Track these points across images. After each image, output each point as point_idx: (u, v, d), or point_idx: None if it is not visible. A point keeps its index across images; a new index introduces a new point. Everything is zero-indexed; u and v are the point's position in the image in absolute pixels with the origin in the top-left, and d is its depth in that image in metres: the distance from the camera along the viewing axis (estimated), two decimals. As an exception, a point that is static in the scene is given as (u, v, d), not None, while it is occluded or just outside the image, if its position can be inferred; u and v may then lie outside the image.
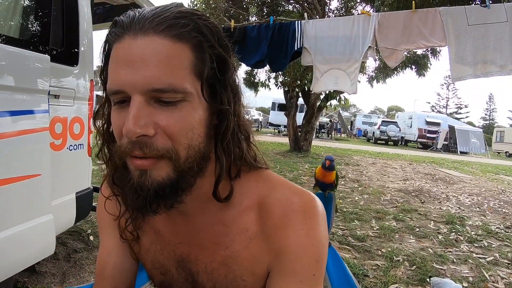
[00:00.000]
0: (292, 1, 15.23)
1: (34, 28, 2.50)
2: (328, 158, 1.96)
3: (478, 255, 4.85)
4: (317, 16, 13.64)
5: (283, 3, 15.22)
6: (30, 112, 2.36)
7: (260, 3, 14.87)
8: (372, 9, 11.90)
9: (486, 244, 5.34)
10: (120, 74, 0.73)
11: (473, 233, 5.82)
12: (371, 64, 15.78)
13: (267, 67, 5.93)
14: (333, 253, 1.94)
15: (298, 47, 4.76)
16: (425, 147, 34.55)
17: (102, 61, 0.79)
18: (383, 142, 34.62)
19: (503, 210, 8.02)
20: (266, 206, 0.90)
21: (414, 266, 4.18)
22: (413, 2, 4.40)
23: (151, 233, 1.00)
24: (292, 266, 0.87)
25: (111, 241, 1.07)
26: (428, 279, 3.36)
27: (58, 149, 2.88)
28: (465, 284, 3.90)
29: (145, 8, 0.77)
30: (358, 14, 5.09)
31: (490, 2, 4.07)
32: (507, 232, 6.16)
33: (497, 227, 6.38)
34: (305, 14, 5.20)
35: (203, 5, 13.01)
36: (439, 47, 4.33)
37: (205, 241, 0.94)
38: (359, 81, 15.82)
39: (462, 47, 4.12)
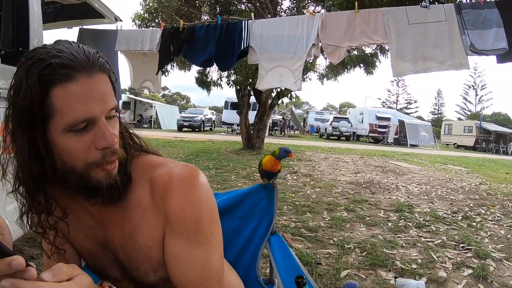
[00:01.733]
0: (244, 1, 15.30)
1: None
2: (286, 150, 1.99)
3: (426, 239, 5.08)
4: (268, 16, 13.76)
5: (235, 2, 15.27)
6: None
7: (212, 2, 14.81)
8: (322, 9, 12.11)
9: (434, 229, 5.59)
10: (91, 106, 0.91)
11: (421, 219, 6.08)
12: (322, 62, 16.01)
13: (215, 67, 5.99)
14: (278, 239, 2.00)
15: (245, 46, 4.85)
16: (376, 141, 35.59)
17: (33, 99, 0.88)
18: (336, 137, 35.17)
19: (450, 197, 8.40)
20: (153, 181, 1.07)
21: (365, 252, 4.34)
22: (356, 3, 4.56)
23: (74, 223, 1.09)
24: (177, 227, 1.04)
25: None
26: (393, 281, 3.47)
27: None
28: (414, 266, 4.08)
29: (72, 46, 0.93)
30: (305, 10, 5.20)
31: (429, 2, 4.25)
32: (454, 217, 6.48)
33: (444, 213, 6.69)
34: (252, 14, 5.24)
35: (156, 4, 12.85)
36: (383, 45, 4.51)
37: (114, 219, 1.09)
38: (310, 79, 16.09)
39: (403, 44, 4.29)
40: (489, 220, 6.45)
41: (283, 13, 15.47)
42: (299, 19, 4.75)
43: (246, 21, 5.01)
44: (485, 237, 5.41)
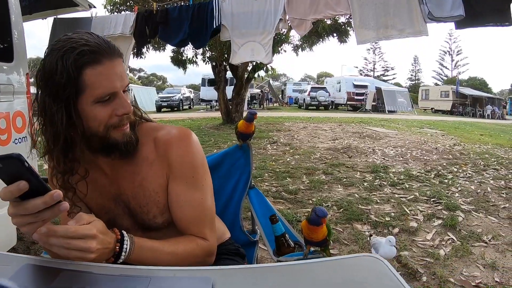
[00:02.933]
0: None
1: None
2: (252, 112, 2.23)
3: (399, 196, 5.42)
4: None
5: None
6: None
7: None
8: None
9: (407, 186, 5.94)
10: (114, 82, 1.16)
11: (395, 178, 6.42)
12: (296, 34, 16.06)
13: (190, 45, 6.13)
14: (256, 192, 2.26)
15: (217, 24, 5.02)
16: (354, 109, 35.81)
17: (70, 78, 1.11)
18: (314, 107, 35.37)
19: (425, 158, 8.76)
20: (156, 140, 1.35)
21: (342, 209, 4.64)
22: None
23: (91, 184, 1.32)
24: (177, 172, 1.33)
25: None
26: (368, 239, 3.73)
27: (5, 144, 3.00)
28: (388, 219, 4.41)
29: (93, 37, 1.16)
30: None
31: None
32: (427, 175, 6.83)
33: (418, 172, 7.04)
34: None
35: None
36: (345, 15, 4.69)
37: (125, 174, 1.34)
38: (285, 51, 16.13)
39: (366, 14, 4.50)
40: (461, 177, 6.80)
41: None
42: None
43: (217, 0, 5.15)
44: (456, 192, 5.76)
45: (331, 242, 1.87)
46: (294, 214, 4.45)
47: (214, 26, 5.05)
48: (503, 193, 5.81)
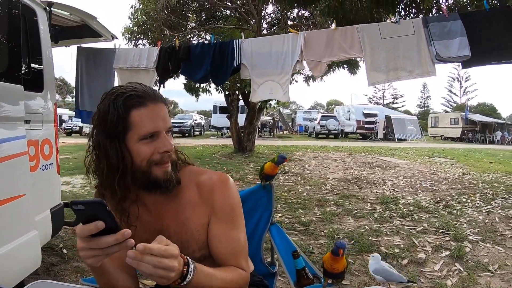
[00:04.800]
0: (229, 7, 15.59)
1: (7, 60, 2.80)
2: (283, 156, 2.48)
3: (409, 227, 5.61)
4: (253, 21, 14.12)
5: (221, 8, 15.55)
6: (12, 139, 2.69)
7: (198, 9, 15.12)
8: (307, 12, 12.50)
9: (416, 218, 6.13)
10: (158, 123, 1.38)
11: (405, 209, 6.61)
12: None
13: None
14: (277, 228, 2.53)
15: (237, 63, 5.27)
16: (364, 137, 35.88)
17: (119, 118, 1.36)
18: (324, 136, 35.43)
19: (434, 188, 8.94)
20: (199, 184, 1.55)
21: (353, 241, 4.84)
22: (334, 22, 5.04)
23: (133, 219, 1.53)
24: (219, 214, 1.52)
25: None
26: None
27: (34, 170, 3.18)
28: (397, 250, 4.61)
29: (141, 86, 1.42)
30: (289, 29, 5.61)
31: (400, 19, 4.73)
32: (436, 206, 7.02)
33: (427, 203, 7.23)
34: (242, 34, 5.64)
35: (144, 17, 13.25)
36: (358, 58, 4.94)
37: (168, 213, 1.54)
38: (296, 81, 16.37)
39: (376, 57, 4.76)
40: (469, 207, 6.99)
41: (267, 17, 15.91)
42: (284, 38, 5.21)
43: (237, 40, 5.41)
44: (464, 222, 5.94)
45: (344, 273, 2.08)
46: (307, 245, 4.64)
47: (235, 65, 5.27)
48: (510, 222, 6.00)
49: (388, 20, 4.87)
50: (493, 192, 8.64)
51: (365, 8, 7.02)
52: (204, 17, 15.46)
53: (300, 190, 8.12)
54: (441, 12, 4.90)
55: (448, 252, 4.60)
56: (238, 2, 15.26)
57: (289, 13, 14.76)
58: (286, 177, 9.88)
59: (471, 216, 6.37)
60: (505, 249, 4.80)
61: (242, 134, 16.18)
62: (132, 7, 13.65)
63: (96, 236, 1.10)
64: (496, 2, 6.10)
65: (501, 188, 9.28)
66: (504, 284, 3.82)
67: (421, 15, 6.36)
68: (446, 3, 7.19)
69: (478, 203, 7.37)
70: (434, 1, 6.85)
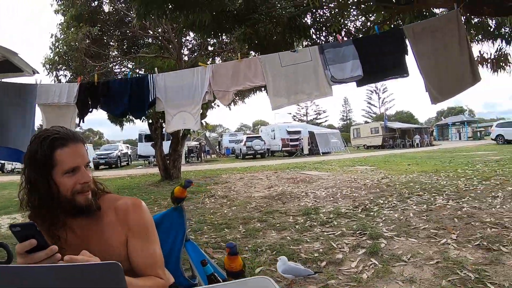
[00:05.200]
0: (151, 35, 15.71)
1: None
2: (189, 181, 2.76)
3: (328, 233, 5.96)
4: (173, 50, 14.35)
5: (143, 36, 15.63)
6: None
7: (121, 38, 15.14)
8: (227, 38, 12.88)
9: (336, 223, 6.52)
10: (78, 159, 1.66)
11: (325, 217, 7.00)
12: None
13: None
14: (192, 244, 2.77)
15: (152, 98, 5.41)
16: (290, 154, 36.69)
17: (46, 157, 1.62)
18: (251, 156, 35.70)
19: (354, 195, 9.48)
20: (116, 208, 1.82)
21: (275, 252, 5.10)
22: (239, 54, 5.39)
23: (63, 242, 1.72)
24: (135, 232, 1.79)
25: None
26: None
27: None
28: (316, 255, 4.93)
29: (63, 129, 1.69)
30: (199, 63, 5.84)
31: (297, 49, 5.12)
32: (355, 210, 7.50)
33: (346, 209, 7.70)
34: (156, 69, 5.80)
35: (65, 47, 12.96)
36: (261, 86, 5.24)
37: (93, 234, 1.76)
38: (218, 105, 16.56)
39: (278, 84, 5.08)
40: (386, 208, 7.55)
41: (188, 43, 16.22)
42: (194, 71, 5.41)
43: (151, 75, 5.55)
44: (380, 222, 6.43)
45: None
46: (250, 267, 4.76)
47: (150, 100, 5.41)
48: (423, 216, 6.56)
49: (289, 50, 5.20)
50: (409, 191, 9.33)
51: (279, 33, 7.44)
52: (126, 46, 15.48)
53: (226, 211, 8.30)
54: (336, 40, 5.32)
55: (364, 250, 4.98)
56: (160, 30, 15.40)
57: (209, 40, 15.04)
58: (213, 200, 10.03)
59: (387, 215, 6.87)
60: (418, 240, 5.30)
61: (168, 161, 16.15)
62: (52, 36, 13.30)
63: (31, 252, 1.39)
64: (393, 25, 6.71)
65: (417, 186, 10.04)
66: (416, 269, 4.23)
67: (331, 38, 6.82)
68: (354, 26, 7.77)
69: (394, 203, 7.95)
70: (342, 24, 7.44)
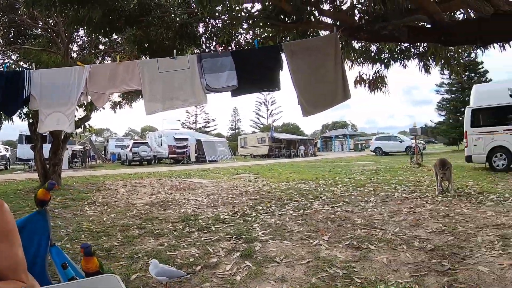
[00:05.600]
0: (40, 26, 14.97)
1: None
2: (52, 183, 2.70)
3: (205, 238, 6.11)
4: (61, 44, 13.86)
5: (32, 26, 14.85)
6: None
7: (8, 26, 14.25)
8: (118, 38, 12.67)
9: (214, 229, 6.71)
10: None
11: (204, 223, 7.16)
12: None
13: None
14: (56, 249, 2.74)
15: (26, 95, 5.14)
16: (177, 161, 36.74)
17: None
18: (137, 163, 34.99)
19: (234, 201, 9.80)
20: None
21: (151, 258, 5.08)
22: (118, 57, 5.36)
23: None
24: None
25: None
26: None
27: None
28: (192, 259, 5.06)
29: None
30: (77, 62, 5.69)
31: (177, 57, 5.21)
32: (233, 216, 7.78)
33: (225, 215, 7.94)
34: (33, 65, 5.55)
35: None
36: (137, 90, 5.20)
37: None
38: (104, 108, 16.06)
39: (154, 89, 5.14)
40: (264, 213, 7.92)
41: (78, 39, 15.77)
42: (72, 70, 5.25)
43: (28, 70, 5.31)
44: (257, 226, 6.73)
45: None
46: (108, 269, 4.75)
47: (24, 97, 5.15)
48: (299, 220, 7.02)
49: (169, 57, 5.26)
50: (287, 197, 9.90)
51: (170, 39, 7.50)
52: (12, 34, 14.63)
53: (105, 219, 8.12)
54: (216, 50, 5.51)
55: (239, 253, 5.19)
56: (51, 22, 14.70)
57: (100, 38, 14.58)
58: (93, 207, 9.74)
59: (264, 220, 7.22)
60: (292, 242, 5.67)
61: (48, 166, 15.15)
62: None
63: None
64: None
65: (295, 193, 10.66)
66: (288, 269, 4.56)
67: (221, 48, 6.98)
68: (244, 39, 8.00)
69: (272, 209, 8.37)
70: (233, 36, 7.66)
